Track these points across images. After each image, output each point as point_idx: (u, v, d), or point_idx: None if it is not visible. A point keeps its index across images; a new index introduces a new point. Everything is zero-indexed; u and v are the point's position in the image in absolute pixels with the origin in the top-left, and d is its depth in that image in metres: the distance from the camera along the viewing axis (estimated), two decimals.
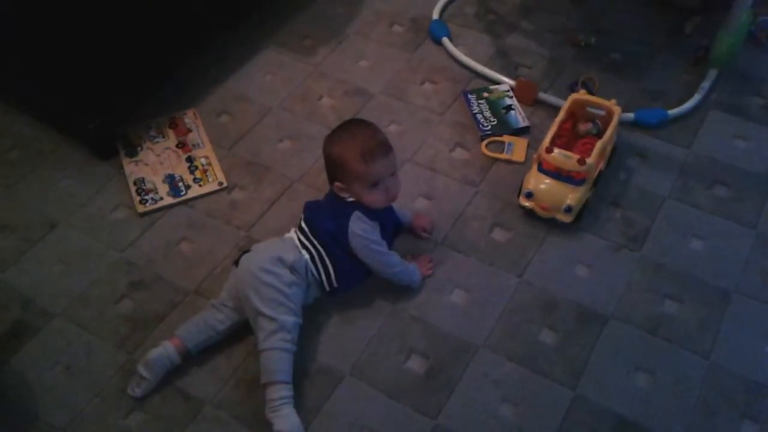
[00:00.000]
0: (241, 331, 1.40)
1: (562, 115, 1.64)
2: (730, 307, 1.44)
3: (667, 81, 1.91)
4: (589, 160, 1.51)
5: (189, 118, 1.85)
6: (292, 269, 1.36)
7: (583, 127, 1.68)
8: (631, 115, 1.79)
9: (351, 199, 1.41)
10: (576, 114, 1.70)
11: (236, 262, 1.41)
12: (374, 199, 1.39)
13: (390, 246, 1.48)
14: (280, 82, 1.96)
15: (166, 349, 1.33)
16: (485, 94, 1.87)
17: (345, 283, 1.42)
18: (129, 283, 1.53)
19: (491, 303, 1.47)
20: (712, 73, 1.89)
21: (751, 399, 1.32)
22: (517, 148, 1.75)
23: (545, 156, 1.54)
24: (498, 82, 1.91)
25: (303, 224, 1.44)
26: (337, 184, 1.41)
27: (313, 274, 1.40)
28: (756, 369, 1.35)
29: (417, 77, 1.96)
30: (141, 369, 1.33)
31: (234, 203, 1.68)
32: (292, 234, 1.45)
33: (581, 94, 1.68)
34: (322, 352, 1.40)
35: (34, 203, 1.68)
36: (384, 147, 1.39)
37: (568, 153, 1.52)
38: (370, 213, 1.41)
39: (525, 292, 1.49)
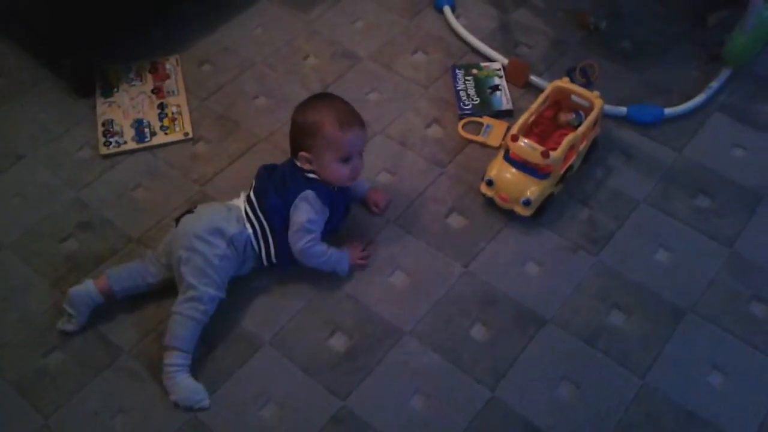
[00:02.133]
0: (175, 286, 1.39)
1: (539, 100, 1.54)
2: (680, 326, 1.35)
3: (676, 76, 1.78)
4: (555, 154, 1.42)
5: (171, 64, 1.83)
6: (230, 243, 1.33)
7: (564, 117, 1.58)
8: (623, 110, 1.67)
9: (311, 175, 1.36)
10: (561, 103, 1.60)
11: (177, 221, 1.39)
12: (340, 173, 1.35)
13: (338, 225, 1.44)
14: (269, 36, 1.91)
15: (87, 287, 1.34)
16: (474, 71, 1.78)
17: (285, 260, 1.39)
18: (78, 224, 1.53)
19: (429, 290, 1.42)
20: (725, 73, 1.74)
21: (679, 429, 1.23)
22: (495, 132, 1.67)
23: (510, 144, 1.46)
24: (491, 60, 1.82)
25: (252, 194, 1.40)
26: (302, 154, 1.35)
27: (253, 249, 1.37)
28: (691, 398, 1.26)
29: (410, 45, 1.87)
30: (66, 305, 1.34)
31: (196, 155, 1.66)
32: (241, 201, 1.41)
33: (563, 82, 1.57)
34: (247, 318, 1.38)
35: (6, 134, 1.70)
36: (360, 120, 1.38)
37: (534, 144, 1.43)
38: (324, 194, 1.36)
39: (466, 283, 1.43)
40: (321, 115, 1.34)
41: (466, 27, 1.89)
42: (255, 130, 1.70)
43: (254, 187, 1.41)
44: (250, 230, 1.36)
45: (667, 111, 1.67)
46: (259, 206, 1.37)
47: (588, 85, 1.64)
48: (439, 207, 1.55)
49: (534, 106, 1.54)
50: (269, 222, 1.37)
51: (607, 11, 1.91)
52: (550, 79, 1.75)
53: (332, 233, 1.43)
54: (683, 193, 1.55)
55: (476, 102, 1.72)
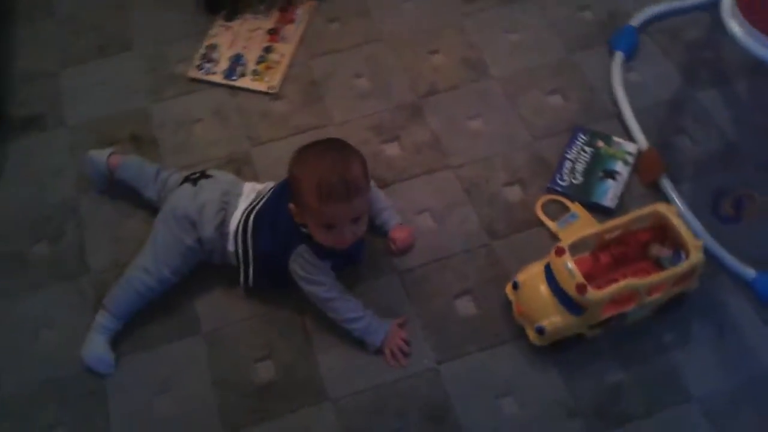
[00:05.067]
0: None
1: (631, 217, 1.20)
2: None
3: None
4: (594, 295, 1.10)
5: (303, 10, 1.72)
6: (200, 241, 1.24)
7: (658, 251, 1.22)
8: (751, 273, 1.25)
9: (304, 230, 1.18)
10: (666, 231, 1.22)
11: (188, 179, 1.31)
12: (324, 239, 1.17)
13: (344, 268, 1.27)
14: (415, 14, 1.71)
15: (101, 155, 1.39)
16: (600, 143, 1.44)
17: (262, 285, 1.27)
18: (131, 135, 1.53)
19: (383, 367, 1.21)
20: None
21: None
22: (576, 227, 1.34)
23: (552, 257, 1.16)
24: (630, 138, 1.45)
25: (252, 214, 1.23)
26: (291, 205, 1.18)
27: (223, 256, 1.27)
28: None
29: (551, 83, 1.56)
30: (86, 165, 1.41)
31: (267, 113, 1.56)
32: (240, 207, 1.25)
33: (669, 210, 1.19)
34: (199, 301, 1.29)
35: (130, 22, 1.74)
36: (348, 189, 1.10)
37: (576, 270, 1.12)
38: (319, 250, 1.19)
39: (426, 383, 1.20)
40: (304, 175, 1.12)
41: (629, 84, 1.52)
42: (333, 111, 1.55)
43: (259, 207, 1.24)
44: (232, 249, 1.25)
45: None
46: (252, 233, 1.23)
47: (734, 221, 1.26)
48: (456, 282, 1.30)
49: (619, 221, 1.20)
50: (255, 259, 1.24)
51: None
52: (692, 191, 1.38)
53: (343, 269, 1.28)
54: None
55: (577, 182, 1.39)
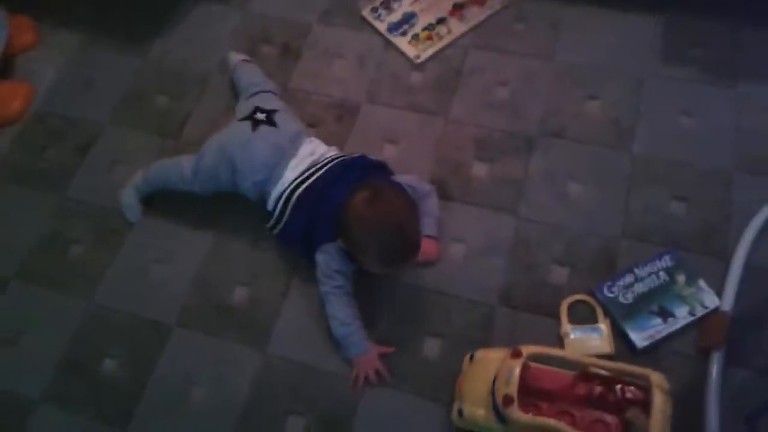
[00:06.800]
0: None
1: (612, 366, 1.05)
2: None
3: None
4: (513, 412, 1.00)
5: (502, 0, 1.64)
6: (234, 184, 1.32)
7: (634, 415, 1.05)
8: None
9: (344, 246, 1.20)
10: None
11: (253, 116, 1.33)
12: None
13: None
14: (604, 50, 1.53)
15: (236, 57, 1.58)
16: (680, 277, 1.24)
17: (283, 242, 1.33)
18: (283, 42, 1.63)
19: (315, 355, 1.24)
20: None
21: None
22: (589, 344, 1.19)
23: (507, 354, 1.06)
24: (718, 292, 1.22)
25: (293, 196, 1.26)
26: (341, 242, 1.19)
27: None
28: None
29: (688, 188, 1.35)
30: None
31: (398, 78, 1.55)
32: (287, 177, 1.28)
33: (659, 384, 1.01)
34: (221, 209, 1.41)
35: None
36: (410, 254, 1.16)
37: (515, 380, 1.01)
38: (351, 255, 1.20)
39: (341, 389, 1.20)
40: (367, 241, 1.14)
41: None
42: (455, 105, 1.50)
43: (308, 185, 1.26)
44: (269, 207, 1.29)
45: None
46: (292, 209, 1.26)
47: None
48: (439, 321, 1.26)
49: (606, 364, 1.07)
50: (288, 223, 1.27)
51: None
52: (742, 383, 1.15)
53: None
54: None
55: (625, 301, 1.22)
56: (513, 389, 1.01)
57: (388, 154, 1.45)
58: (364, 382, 1.19)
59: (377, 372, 1.20)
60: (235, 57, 1.56)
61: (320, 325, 1.25)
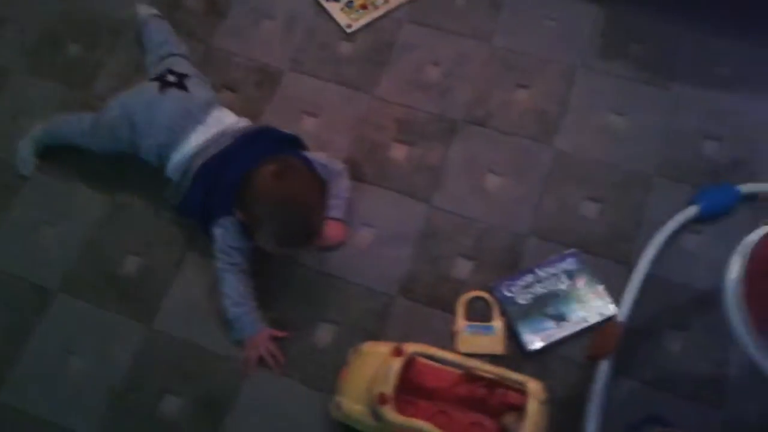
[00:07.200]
0: None
1: (491, 369, 1.04)
2: None
3: None
4: (386, 411, 0.97)
5: None
6: (136, 150, 1.26)
7: (509, 421, 1.04)
8: None
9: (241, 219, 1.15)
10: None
11: (163, 78, 1.27)
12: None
13: None
14: (543, 37, 1.47)
15: (148, 10, 1.49)
16: (581, 281, 1.21)
17: (182, 214, 1.27)
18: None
19: (201, 335, 1.20)
20: None
21: None
22: (482, 341, 1.17)
23: (389, 353, 1.03)
24: (617, 300, 1.20)
25: (193, 164, 1.20)
26: (240, 214, 1.14)
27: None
28: None
29: (604, 190, 1.32)
30: None
31: (326, 47, 1.48)
32: (191, 143, 1.22)
33: (535, 392, 0.99)
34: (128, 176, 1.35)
35: None
36: (309, 237, 1.14)
37: (393, 379, 0.99)
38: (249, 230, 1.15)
39: (223, 370, 1.17)
40: (266, 216, 1.11)
41: (681, 247, 1.23)
42: (383, 82, 1.44)
43: (212, 154, 1.20)
44: (168, 174, 1.24)
45: None
46: (193, 179, 1.20)
47: None
48: (335, 309, 1.22)
49: (486, 367, 1.05)
50: (187, 194, 1.21)
51: None
52: (627, 394, 1.14)
53: None
54: None
55: (523, 302, 1.20)
56: (389, 388, 0.99)
57: (305, 127, 1.39)
58: (257, 362, 1.16)
59: (271, 354, 1.16)
60: (145, 10, 1.46)
61: (212, 303, 1.21)
